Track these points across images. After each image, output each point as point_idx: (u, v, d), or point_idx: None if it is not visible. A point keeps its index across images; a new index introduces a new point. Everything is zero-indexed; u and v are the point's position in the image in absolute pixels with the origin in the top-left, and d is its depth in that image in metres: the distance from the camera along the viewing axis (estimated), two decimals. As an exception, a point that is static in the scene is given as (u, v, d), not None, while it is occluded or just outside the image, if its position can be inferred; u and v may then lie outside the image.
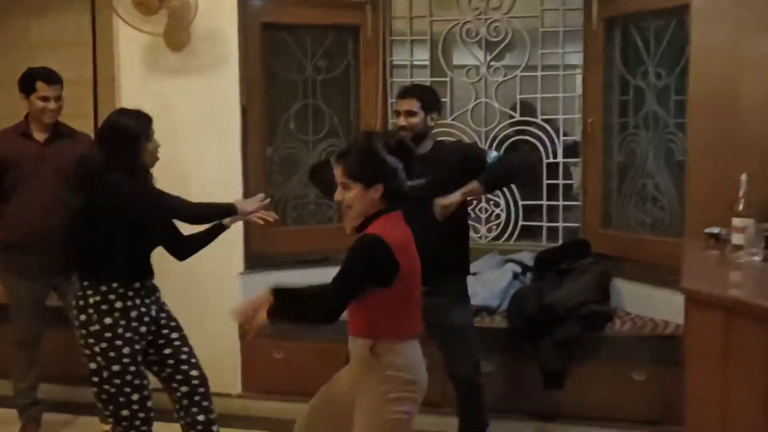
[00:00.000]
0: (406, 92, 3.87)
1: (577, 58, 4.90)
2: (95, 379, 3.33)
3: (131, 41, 4.59)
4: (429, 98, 3.83)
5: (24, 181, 4.22)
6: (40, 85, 4.20)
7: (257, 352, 4.67)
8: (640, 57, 4.54)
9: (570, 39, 4.91)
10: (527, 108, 5.07)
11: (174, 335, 3.53)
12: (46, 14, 5.48)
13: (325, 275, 5.04)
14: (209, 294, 4.58)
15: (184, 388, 3.52)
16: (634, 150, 4.62)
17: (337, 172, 2.74)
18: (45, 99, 4.20)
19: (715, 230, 3.75)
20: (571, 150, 5.01)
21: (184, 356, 3.52)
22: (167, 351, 3.50)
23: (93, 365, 3.33)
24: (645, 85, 4.53)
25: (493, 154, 3.88)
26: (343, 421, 2.83)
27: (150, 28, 4.47)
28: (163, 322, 3.51)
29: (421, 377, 2.81)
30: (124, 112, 3.43)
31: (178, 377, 3.51)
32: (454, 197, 3.68)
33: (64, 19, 5.44)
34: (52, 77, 4.24)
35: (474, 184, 3.72)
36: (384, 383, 2.72)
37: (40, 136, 4.28)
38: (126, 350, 3.32)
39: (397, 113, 3.84)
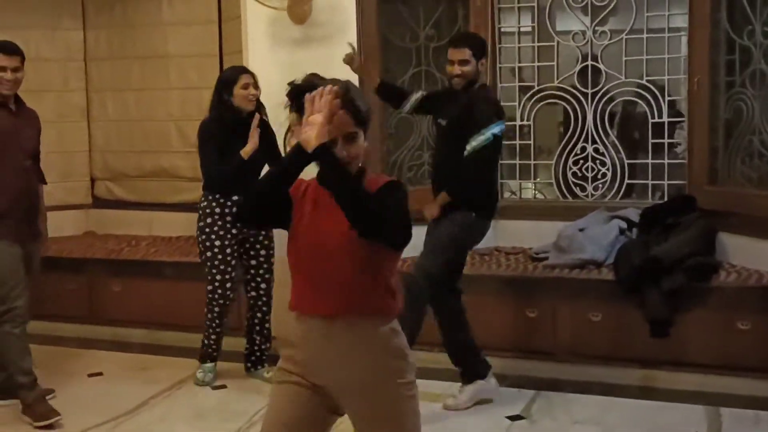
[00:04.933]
0: (458, 41, 4.09)
1: (681, 20, 5.01)
2: None
3: (257, 16, 4.94)
4: (479, 45, 4.08)
5: (5, 149, 4.09)
6: None
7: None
8: (747, 16, 4.63)
9: (675, 1, 5.02)
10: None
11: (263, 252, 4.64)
12: (176, -5, 5.92)
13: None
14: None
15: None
16: (740, 108, 4.73)
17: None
18: (2, 69, 4.03)
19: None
20: (674, 110, 5.14)
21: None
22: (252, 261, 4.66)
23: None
24: (751, 43, 4.62)
25: (476, 140, 4.00)
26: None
27: (275, 3, 4.80)
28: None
29: None
30: None
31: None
32: (435, 210, 4.09)
33: (192, -1, 5.87)
34: (8, 48, 4.09)
35: (444, 197, 4.10)
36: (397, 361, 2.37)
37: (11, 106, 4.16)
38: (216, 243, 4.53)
39: (451, 62, 4.03)
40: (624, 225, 4.88)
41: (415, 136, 5.34)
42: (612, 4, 5.13)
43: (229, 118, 4.47)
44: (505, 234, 5.19)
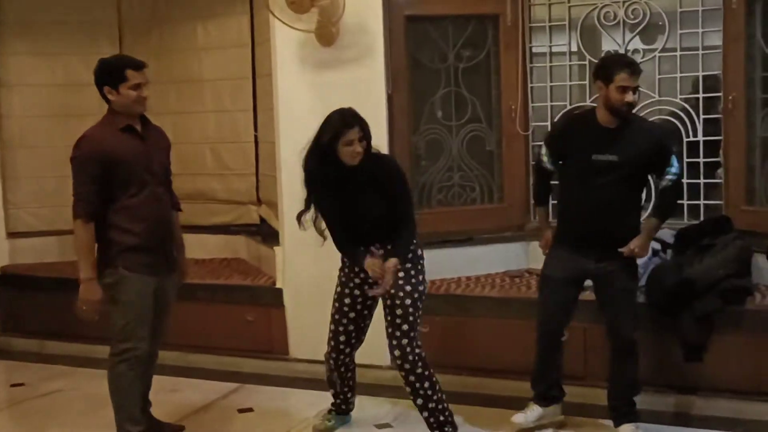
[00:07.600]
0: (635, 67, 3.85)
1: (716, 38, 4.90)
2: None
3: (286, 39, 4.95)
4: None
5: (137, 176, 3.82)
6: (130, 73, 3.75)
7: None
8: (782, 31, 4.52)
9: (708, 18, 4.92)
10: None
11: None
12: (210, 19, 6.00)
13: (469, 254, 5.31)
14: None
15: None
16: (778, 125, 4.61)
17: None
18: (137, 87, 3.76)
19: None
20: (710, 128, 5.02)
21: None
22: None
23: None
24: (787, 59, 4.52)
25: (673, 167, 3.93)
26: None
27: (302, 26, 4.81)
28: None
29: None
30: None
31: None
32: (646, 248, 4.02)
33: (226, 23, 5.94)
34: (140, 63, 3.82)
35: (654, 222, 4.05)
36: None
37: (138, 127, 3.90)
38: (338, 289, 4.07)
39: (623, 89, 3.78)
40: (658, 246, 4.76)
41: (445, 157, 5.29)
42: (644, 22, 5.05)
43: (330, 171, 3.77)
44: (536, 256, 5.09)
